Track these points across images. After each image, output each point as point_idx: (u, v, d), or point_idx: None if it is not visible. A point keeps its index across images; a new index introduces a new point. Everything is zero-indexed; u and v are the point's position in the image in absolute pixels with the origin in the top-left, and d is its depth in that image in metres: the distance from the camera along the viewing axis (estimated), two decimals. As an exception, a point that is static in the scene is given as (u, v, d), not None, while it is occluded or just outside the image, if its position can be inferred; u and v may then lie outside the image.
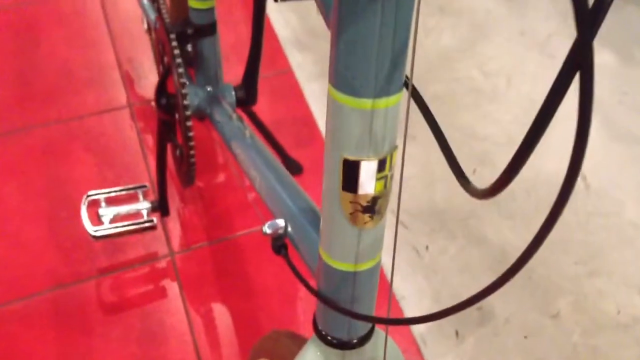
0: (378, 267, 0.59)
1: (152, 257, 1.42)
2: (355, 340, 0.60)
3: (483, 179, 1.64)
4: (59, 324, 1.32)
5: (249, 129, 1.07)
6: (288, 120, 1.79)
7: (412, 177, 1.64)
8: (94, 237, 1.23)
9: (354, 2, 0.43)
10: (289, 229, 0.72)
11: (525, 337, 1.37)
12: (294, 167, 1.57)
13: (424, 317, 0.49)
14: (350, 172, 0.52)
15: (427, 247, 1.53)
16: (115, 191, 1.30)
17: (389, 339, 0.65)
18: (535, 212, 1.58)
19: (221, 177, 1.59)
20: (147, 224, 1.26)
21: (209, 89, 1.23)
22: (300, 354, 0.63)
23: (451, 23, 2.10)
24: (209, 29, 1.18)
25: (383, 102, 0.48)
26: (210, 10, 1.17)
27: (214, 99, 1.22)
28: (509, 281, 0.42)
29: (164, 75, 1.19)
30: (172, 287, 1.39)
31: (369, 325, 0.61)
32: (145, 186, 1.31)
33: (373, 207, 0.53)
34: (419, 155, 1.68)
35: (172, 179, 1.55)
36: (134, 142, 1.66)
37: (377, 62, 0.45)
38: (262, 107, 1.70)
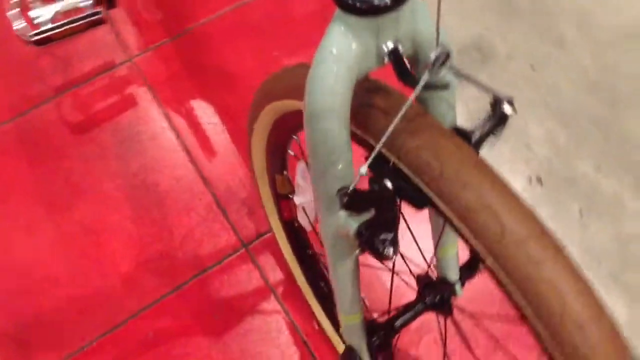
0: None
1: (110, 66, 1.25)
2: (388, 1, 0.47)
3: None
4: (29, 152, 1.17)
5: None
6: None
7: None
8: (33, 41, 1.04)
9: None
10: None
11: (533, 68, 1.27)
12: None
13: None
14: None
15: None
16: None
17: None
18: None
19: None
20: (93, 17, 1.07)
21: None
22: (326, 36, 0.50)
23: None
24: None
25: None
26: None
27: None
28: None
29: None
30: (142, 93, 1.23)
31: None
32: (78, -24, 1.10)
33: None
34: None
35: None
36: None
37: None
38: None
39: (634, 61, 1.25)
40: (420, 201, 0.54)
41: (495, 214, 0.48)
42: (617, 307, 1.04)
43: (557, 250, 0.48)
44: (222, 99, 1.24)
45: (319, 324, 1.09)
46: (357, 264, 0.66)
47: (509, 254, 0.48)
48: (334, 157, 0.54)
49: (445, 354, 0.88)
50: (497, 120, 0.57)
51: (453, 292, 0.79)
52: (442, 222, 0.70)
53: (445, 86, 0.52)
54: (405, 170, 0.53)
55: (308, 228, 0.93)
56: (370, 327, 0.77)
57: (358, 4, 0.47)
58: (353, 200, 0.52)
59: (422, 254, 0.76)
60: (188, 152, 1.19)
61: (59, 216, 1.12)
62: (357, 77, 0.51)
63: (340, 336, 1.04)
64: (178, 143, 1.20)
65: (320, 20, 1.32)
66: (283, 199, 0.95)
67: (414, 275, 0.80)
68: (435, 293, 0.79)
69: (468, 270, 0.80)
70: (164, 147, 1.19)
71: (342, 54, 0.49)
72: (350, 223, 0.58)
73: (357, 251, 0.59)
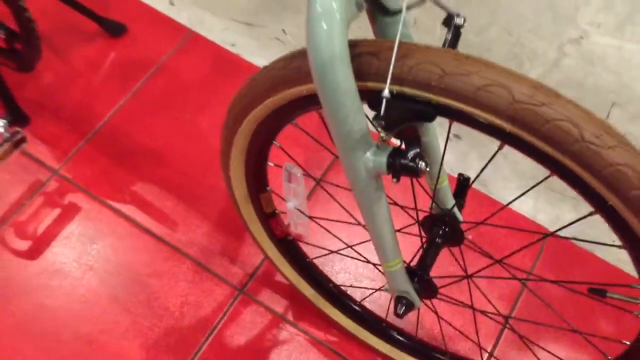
0: None
1: (38, 185, 1.23)
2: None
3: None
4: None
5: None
6: None
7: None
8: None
9: None
10: None
11: None
12: (116, 28, 1.42)
13: None
14: None
15: None
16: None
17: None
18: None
19: (60, 65, 1.38)
20: (15, 138, 1.07)
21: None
22: (310, 5, 0.58)
23: None
24: None
25: None
26: None
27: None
28: None
29: None
30: (80, 198, 1.23)
31: None
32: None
33: None
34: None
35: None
36: None
37: None
38: None
39: None
40: (429, 113, 0.64)
41: (503, 85, 0.58)
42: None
43: (556, 94, 0.59)
44: (157, 173, 1.27)
45: (338, 327, 1.13)
46: (388, 207, 0.73)
47: (521, 110, 0.58)
48: (348, 105, 0.62)
49: (469, 285, 0.97)
50: (454, 33, 0.68)
51: (455, 220, 0.88)
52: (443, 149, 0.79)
53: (399, 11, 0.63)
54: (410, 91, 0.62)
55: (305, 230, 0.99)
56: (408, 272, 0.84)
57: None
58: (388, 120, 0.60)
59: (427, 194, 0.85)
60: (149, 231, 1.20)
61: (50, 346, 1.08)
62: (347, 23, 0.60)
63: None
64: (136, 227, 1.20)
65: (208, 79, 1.40)
66: (271, 218, 1.00)
67: (418, 223, 0.89)
68: (441, 226, 0.88)
69: (459, 194, 0.90)
70: (126, 237, 1.19)
71: (328, 6, 0.58)
72: (379, 160, 0.66)
73: (394, 181, 0.67)
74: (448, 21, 0.68)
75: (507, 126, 0.59)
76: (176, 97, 1.37)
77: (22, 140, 1.09)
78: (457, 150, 1.33)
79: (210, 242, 1.20)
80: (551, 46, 1.55)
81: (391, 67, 0.61)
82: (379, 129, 0.62)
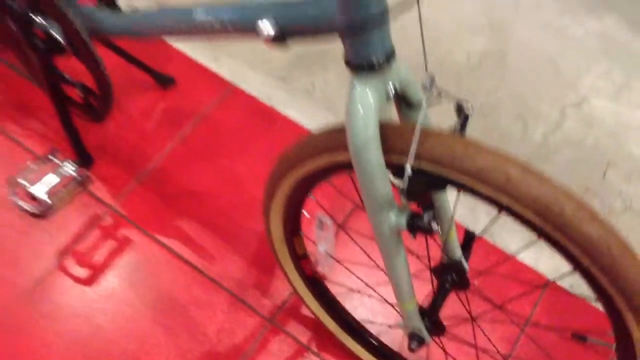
0: None
1: (96, 220, 1.40)
2: (386, 57, 0.73)
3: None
4: (59, 326, 1.28)
5: None
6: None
7: None
8: (39, 215, 1.19)
9: None
10: None
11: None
12: (166, 81, 1.60)
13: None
14: None
15: None
16: (29, 171, 1.24)
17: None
18: None
19: (118, 113, 1.56)
20: (84, 179, 1.24)
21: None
22: (351, 94, 0.74)
23: None
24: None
25: None
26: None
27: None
28: None
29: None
30: (133, 232, 1.39)
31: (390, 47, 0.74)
32: (56, 150, 1.27)
33: None
34: None
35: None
36: None
37: None
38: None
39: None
40: (441, 184, 0.79)
41: (500, 167, 0.74)
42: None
43: (543, 176, 0.74)
44: (199, 212, 1.43)
45: (357, 358, 1.27)
46: (406, 256, 0.89)
47: (514, 188, 0.74)
48: (378, 176, 0.78)
49: (472, 325, 1.11)
50: (463, 119, 0.84)
51: (462, 268, 1.03)
52: (452, 211, 0.94)
53: (420, 104, 0.79)
54: (426, 167, 0.78)
55: (329, 269, 1.14)
56: (420, 312, 0.99)
57: (376, 66, 0.73)
58: (409, 191, 0.76)
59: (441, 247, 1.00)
60: (191, 264, 1.36)
61: None
62: (379, 112, 0.76)
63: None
64: (180, 260, 1.36)
65: (246, 129, 1.57)
66: (302, 258, 1.15)
67: (430, 270, 1.04)
68: (449, 273, 1.03)
69: (466, 247, 1.05)
70: (170, 268, 1.35)
71: (364, 100, 0.75)
72: (400, 219, 0.81)
73: (411, 237, 0.82)
74: (458, 109, 0.84)
75: (503, 200, 0.75)
76: (217, 145, 1.54)
77: (89, 180, 1.26)
78: (466, 204, 1.48)
79: (244, 275, 1.36)
80: (554, 109, 1.71)
81: (412, 149, 0.77)
82: (402, 197, 0.78)
